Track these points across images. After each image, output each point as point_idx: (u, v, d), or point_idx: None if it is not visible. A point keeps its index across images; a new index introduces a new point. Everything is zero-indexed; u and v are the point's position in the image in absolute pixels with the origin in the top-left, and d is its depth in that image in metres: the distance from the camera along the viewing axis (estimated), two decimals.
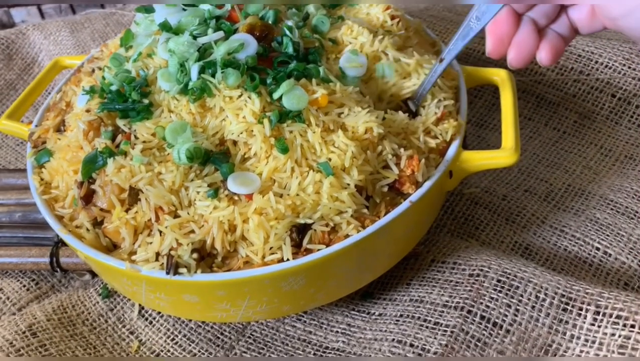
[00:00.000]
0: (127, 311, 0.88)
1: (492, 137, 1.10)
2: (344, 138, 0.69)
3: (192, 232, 0.69)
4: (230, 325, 0.84)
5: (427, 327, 0.75)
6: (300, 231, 0.68)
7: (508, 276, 0.76)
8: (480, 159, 0.77)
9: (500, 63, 1.17)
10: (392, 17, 0.89)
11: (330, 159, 0.69)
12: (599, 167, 1.02)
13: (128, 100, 0.77)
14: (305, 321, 0.83)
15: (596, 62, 1.12)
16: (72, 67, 1.04)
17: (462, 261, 0.81)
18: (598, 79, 1.11)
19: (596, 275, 0.85)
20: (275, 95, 0.71)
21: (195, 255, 0.67)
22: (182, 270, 0.67)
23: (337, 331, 0.80)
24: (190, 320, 0.85)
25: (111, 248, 0.74)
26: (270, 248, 0.67)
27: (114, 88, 0.78)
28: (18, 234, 0.96)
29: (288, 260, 0.66)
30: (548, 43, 0.65)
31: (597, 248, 0.87)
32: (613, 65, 1.10)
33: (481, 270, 0.78)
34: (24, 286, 0.92)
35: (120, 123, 0.76)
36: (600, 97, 1.10)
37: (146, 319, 0.87)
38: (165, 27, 0.82)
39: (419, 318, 0.76)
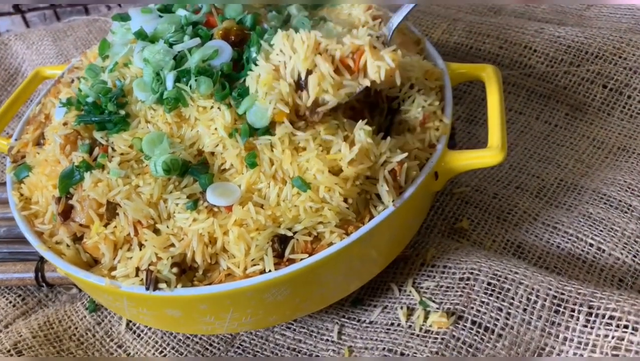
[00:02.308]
0: (114, 325, 0.87)
1: (483, 133, 1.08)
2: (316, 163, 0.67)
3: (172, 245, 0.67)
4: (219, 335, 0.82)
5: (417, 335, 0.73)
6: (282, 241, 0.66)
7: (499, 278, 0.75)
8: (466, 159, 0.75)
9: (487, 57, 1.15)
10: (374, 18, 0.87)
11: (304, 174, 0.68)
12: (592, 160, 1.00)
13: (104, 112, 0.75)
14: (294, 330, 0.82)
15: (586, 52, 1.09)
16: (54, 77, 1.02)
17: (452, 264, 0.79)
18: (589, 70, 1.09)
19: (590, 271, 0.83)
20: (240, 111, 0.70)
21: (175, 270, 0.65)
22: (162, 285, 0.65)
23: (327, 340, 0.79)
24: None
25: (92, 263, 0.73)
26: (252, 259, 0.66)
27: (90, 100, 0.77)
28: (3, 249, 0.94)
29: (270, 271, 0.65)
30: None
31: (591, 244, 0.86)
32: (603, 55, 1.08)
33: (471, 273, 0.76)
34: (10, 302, 0.91)
35: (98, 135, 0.74)
36: (592, 88, 1.08)
37: (134, 332, 0.85)
38: (140, 35, 0.80)
39: (409, 326, 0.75)
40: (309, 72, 0.70)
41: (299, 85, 0.70)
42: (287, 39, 0.71)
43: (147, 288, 0.65)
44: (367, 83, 0.70)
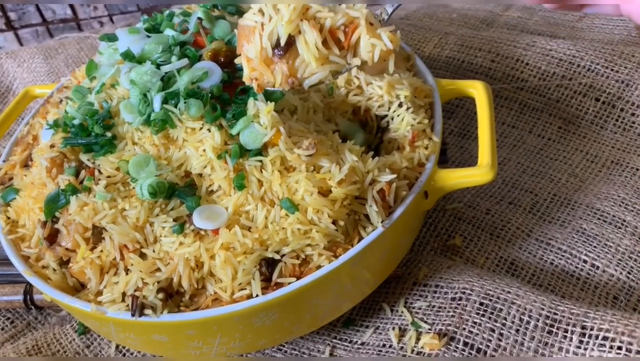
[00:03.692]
0: (104, 348, 0.86)
1: (475, 147, 1.07)
2: (306, 183, 0.66)
3: (158, 270, 0.66)
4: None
5: (409, 357, 0.72)
6: (269, 264, 0.66)
7: (491, 298, 0.74)
8: (456, 178, 0.74)
9: (479, 71, 1.15)
10: None
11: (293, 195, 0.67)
12: (585, 174, 0.99)
13: (91, 134, 0.75)
14: (286, 352, 0.80)
15: (578, 65, 1.09)
16: (43, 96, 1.02)
17: (444, 283, 0.78)
18: (581, 83, 1.08)
19: (584, 288, 0.83)
20: (234, 132, 0.69)
21: (161, 295, 0.64)
22: (148, 310, 0.64)
23: None
24: None
25: (79, 287, 0.72)
26: (239, 284, 0.65)
27: (76, 122, 0.76)
28: None
29: (257, 296, 0.64)
30: None
31: (585, 261, 0.85)
32: (595, 68, 1.08)
33: (463, 293, 0.75)
34: None
35: (84, 158, 0.74)
36: (584, 101, 1.08)
37: (124, 355, 0.84)
38: (127, 56, 0.79)
39: (401, 348, 0.74)
40: (291, 39, 0.62)
41: (274, 52, 0.63)
42: None
43: (133, 315, 0.64)
44: (357, 62, 0.64)
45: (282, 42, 0.63)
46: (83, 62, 1.28)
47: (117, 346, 0.85)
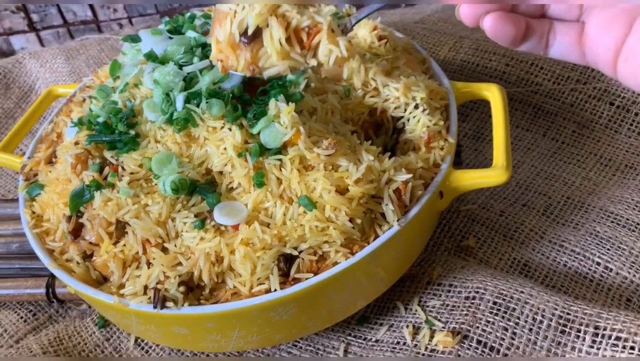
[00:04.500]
0: (123, 341, 0.88)
1: (489, 150, 1.09)
2: (324, 182, 0.68)
3: (180, 264, 0.68)
4: (226, 353, 0.83)
5: (423, 355, 0.73)
6: (287, 260, 0.67)
7: (504, 298, 0.75)
8: (471, 179, 0.75)
9: (494, 75, 1.16)
10: (380, 38, 0.88)
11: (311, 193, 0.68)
12: (599, 177, 1.00)
13: (115, 132, 0.77)
14: (301, 348, 0.82)
15: (593, 69, 1.10)
16: (66, 96, 1.04)
17: (458, 283, 0.79)
18: (595, 87, 1.09)
19: (597, 290, 0.83)
20: (254, 131, 0.70)
21: (182, 288, 0.66)
22: (170, 303, 0.66)
23: (334, 358, 0.79)
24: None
25: (101, 280, 0.74)
26: (258, 278, 0.66)
27: (101, 120, 0.78)
28: (15, 265, 0.96)
29: (276, 290, 0.65)
30: (507, 17, 0.57)
31: (598, 263, 0.85)
32: None
33: (477, 292, 0.76)
34: (21, 318, 0.92)
35: (108, 155, 0.76)
36: (599, 105, 1.08)
37: (142, 348, 0.86)
38: (150, 56, 0.81)
39: (415, 345, 0.75)
40: (258, 30, 0.68)
41: (241, 39, 0.68)
42: None
43: (155, 307, 0.66)
44: (313, 63, 0.69)
45: (250, 32, 0.68)
46: (104, 62, 1.31)
47: (136, 340, 0.87)
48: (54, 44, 1.65)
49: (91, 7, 1.63)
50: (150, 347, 0.86)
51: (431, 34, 1.26)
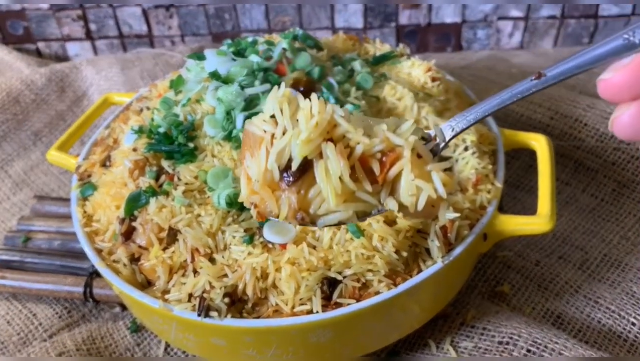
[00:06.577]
0: (153, 348, 0.89)
1: (528, 200, 1.10)
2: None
3: (225, 275, 0.70)
4: None
5: None
6: (331, 284, 0.68)
7: (538, 346, 0.75)
8: (516, 224, 0.76)
9: (538, 126, 1.18)
10: (433, 79, 0.91)
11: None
12: (638, 238, 1.00)
13: (174, 143, 0.80)
14: None
15: None
16: (121, 104, 1.08)
17: (492, 327, 0.79)
18: (639, 148, 1.10)
19: (631, 351, 0.83)
20: None
21: (226, 300, 0.68)
22: (213, 313, 0.67)
23: None
24: None
25: (145, 285, 0.76)
26: (300, 298, 0.68)
27: (161, 130, 0.82)
28: (56, 262, 0.98)
29: (317, 312, 0.67)
30: None
31: (633, 323, 0.85)
32: None
33: (511, 338, 0.77)
34: (57, 313, 0.94)
35: (165, 164, 0.79)
36: None
37: (171, 356, 0.87)
38: (215, 75, 0.85)
39: None
40: (307, 163, 0.49)
41: (282, 176, 0.50)
42: (287, 102, 0.50)
43: (199, 315, 0.67)
44: (393, 206, 0.50)
45: (295, 166, 0.49)
46: (157, 76, 1.36)
47: (165, 348, 0.88)
48: (106, 53, 1.71)
49: (147, 22, 1.69)
50: (180, 356, 0.87)
51: (477, 79, 1.29)
